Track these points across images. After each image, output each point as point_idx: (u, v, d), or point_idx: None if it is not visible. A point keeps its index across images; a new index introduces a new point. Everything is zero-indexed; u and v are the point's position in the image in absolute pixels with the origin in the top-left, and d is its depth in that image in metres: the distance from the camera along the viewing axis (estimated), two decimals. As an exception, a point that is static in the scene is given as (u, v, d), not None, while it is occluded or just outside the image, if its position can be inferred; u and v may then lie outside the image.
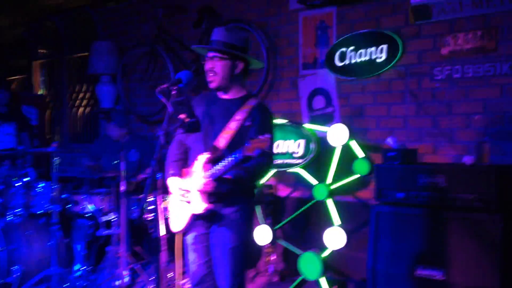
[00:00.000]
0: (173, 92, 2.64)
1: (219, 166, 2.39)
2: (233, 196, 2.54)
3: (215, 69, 2.55)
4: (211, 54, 2.58)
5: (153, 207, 3.87)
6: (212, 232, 2.60)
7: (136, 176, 4.51)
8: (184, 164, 2.69)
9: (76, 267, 4.28)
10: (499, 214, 2.77)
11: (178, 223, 2.66)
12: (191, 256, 2.68)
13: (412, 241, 3.05)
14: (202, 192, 2.48)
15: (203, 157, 2.51)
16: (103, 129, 6.03)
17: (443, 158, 3.51)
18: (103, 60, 5.58)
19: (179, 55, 5.07)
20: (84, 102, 6.51)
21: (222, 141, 2.52)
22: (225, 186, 2.47)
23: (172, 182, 2.64)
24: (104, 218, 4.11)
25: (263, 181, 4.14)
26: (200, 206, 2.50)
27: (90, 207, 4.15)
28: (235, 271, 2.54)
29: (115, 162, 4.25)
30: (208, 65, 2.57)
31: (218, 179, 2.43)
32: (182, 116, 2.88)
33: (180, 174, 2.64)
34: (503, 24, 3.27)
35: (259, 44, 4.39)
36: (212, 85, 2.59)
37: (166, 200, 2.68)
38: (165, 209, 2.66)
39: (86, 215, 4.21)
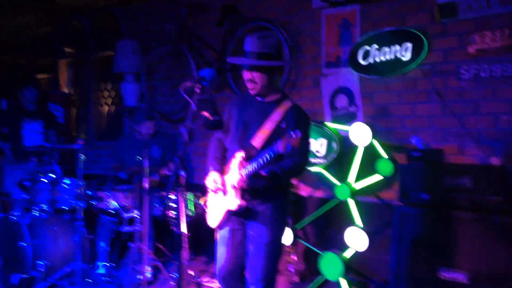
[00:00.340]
0: (197, 90, 2.68)
1: (254, 164, 2.47)
2: (268, 193, 2.61)
3: (255, 79, 2.62)
4: (249, 65, 2.62)
5: (175, 204, 3.91)
6: (247, 227, 2.68)
7: (158, 173, 4.55)
8: (224, 162, 2.78)
9: (99, 263, 4.35)
10: (528, 216, 2.70)
11: (214, 218, 2.76)
12: (221, 250, 2.75)
13: (436, 243, 3.00)
14: (237, 188, 2.57)
15: (239, 155, 2.60)
16: (127, 127, 6.10)
17: (469, 159, 3.44)
18: (127, 58, 5.63)
19: (202, 53, 5.09)
20: (109, 100, 6.60)
21: (258, 140, 2.60)
22: (260, 183, 2.54)
23: (211, 176, 2.73)
24: (127, 215, 4.16)
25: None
26: (234, 202, 2.59)
27: (113, 204, 4.21)
28: (268, 265, 2.61)
29: (138, 158, 4.30)
30: (247, 76, 2.63)
31: (253, 176, 2.49)
32: (205, 113, 2.90)
33: (220, 170, 2.74)
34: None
35: (282, 42, 4.37)
36: (253, 92, 2.67)
37: (205, 196, 2.82)
38: (205, 204, 2.83)
39: (110, 212, 4.27)
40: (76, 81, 7.07)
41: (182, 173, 2.45)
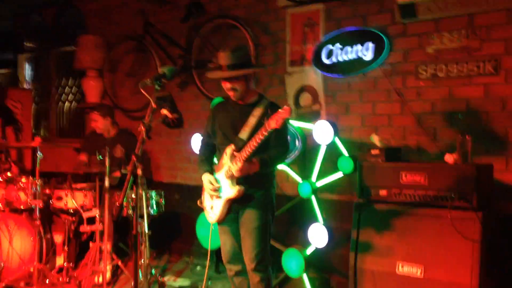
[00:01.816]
0: (157, 87, 2.71)
1: (248, 148, 2.81)
2: (260, 181, 3.00)
3: (235, 87, 2.99)
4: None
5: (133, 203, 3.89)
6: (241, 214, 3.04)
7: (121, 172, 4.52)
8: (211, 161, 3.20)
9: (58, 262, 4.30)
10: (479, 212, 2.83)
11: (213, 214, 3.10)
12: (223, 238, 3.15)
13: (394, 239, 3.10)
14: (234, 177, 2.93)
15: (229, 149, 2.96)
16: (89, 124, 6.04)
17: (426, 157, 3.57)
18: (90, 54, 5.59)
19: (166, 50, 5.09)
20: (71, 96, 6.51)
21: (244, 134, 2.96)
22: (253, 168, 2.88)
23: (206, 179, 3.08)
24: (88, 214, 4.13)
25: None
26: (234, 189, 2.96)
27: (73, 203, 4.16)
28: (258, 246, 2.98)
29: (100, 157, 4.27)
30: (227, 85, 3.00)
31: (246, 161, 2.84)
32: (164, 111, 2.93)
33: (210, 170, 3.10)
34: (487, 24, 3.33)
35: (247, 40, 4.43)
36: (234, 99, 3.06)
37: (201, 197, 3.18)
38: (201, 203, 3.17)
39: (69, 211, 4.23)
40: (36, 77, 6.94)
41: (139, 171, 2.47)
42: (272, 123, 2.64)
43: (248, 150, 2.82)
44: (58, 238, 4.42)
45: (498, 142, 3.29)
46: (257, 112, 2.96)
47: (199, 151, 3.27)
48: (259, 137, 2.74)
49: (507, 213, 3.21)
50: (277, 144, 2.96)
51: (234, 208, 3.06)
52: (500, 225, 3.08)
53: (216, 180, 3.07)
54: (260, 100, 3.05)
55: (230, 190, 2.99)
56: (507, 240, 3.14)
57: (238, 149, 2.92)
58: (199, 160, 3.21)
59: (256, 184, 3.00)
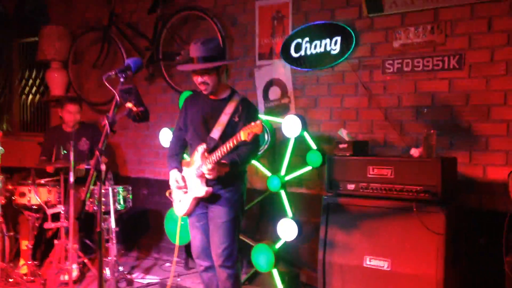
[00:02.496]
0: (121, 80, 2.63)
1: (218, 153, 2.81)
2: (229, 179, 2.96)
3: (206, 81, 2.94)
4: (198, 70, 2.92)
5: (99, 199, 3.82)
6: (210, 210, 3.04)
7: (86, 166, 4.41)
8: (181, 157, 3.18)
9: (22, 261, 4.18)
10: (444, 205, 2.87)
11: (181, 208, 3.10)
12: (193, 233, 3.14)
13: (361, 232, 3.13)
14: (203, 177, 2.92)
15: (201, 148, 2.93)
16: (54, 118, 5.86)
17: (393, 150, 3.60)
18: (53, 45, 5.42)
19: (132, 41, 4.98)
20: (34, 89, 6.30)
21: (216, 133, 2.95)
22: (223, 170, 2.89)
23: (172, 176, 3.08)
24: (52, 210, 4.02)
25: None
26: (202, 189, 2.95)
27: (37, 199, 4.04)
28: (226, 241, 2.98)
29: (64, 152, 4.15)
30: (198, 79, 2.94)
31: (217, 164, 2.84)
32: (129, 104, 2.85)
33: (178, 167, 3.10)
34: (452, 18, 3.37)
35: (216, 32, 4.36)
36: (206, 92, 2.99)
37: (169, 190, 3.18)
38: (170, 195, 3.17)
39: (33, 207, 4.11)
40: (-3, 68, 6.68)
41: (103, 166, 2.40)
42: (243, 135, 2.66)
43: (218, 154, 2.81)
44: (22, 236, 4.29)
45: (462, 136, 3.34)
46: (229, 109, 2.94)
47: (170, 146, 3.22)
48: (230, 145, 2.75)
49: (471, 206, 3.28)
50: (247, 142, 2.90)
51: (203, 204, 3.06)
52: (464, 217, 3.15)
53: (184, 178, 3.06)
54: (232, 96, 3.02)
55: (199, 190, 2.98)
56: (470, 233, 3.21)
57: (209, 149, 2.91)
58: (168, 155, 3.18)
59: (226, 182, 2.98)
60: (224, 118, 2.94)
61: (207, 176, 2.89)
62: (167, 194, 3.22)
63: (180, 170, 3.10)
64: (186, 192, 3.06)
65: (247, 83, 4.37)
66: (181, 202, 3.10)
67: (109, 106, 5.21)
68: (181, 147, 3.19)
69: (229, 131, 2.91)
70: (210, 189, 2.95)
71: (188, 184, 3.05)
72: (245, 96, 3.08)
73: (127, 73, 2.67)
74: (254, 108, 3.06)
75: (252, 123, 2.66)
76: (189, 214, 3.10)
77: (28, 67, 6.31)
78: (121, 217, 4.24)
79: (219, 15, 4.46)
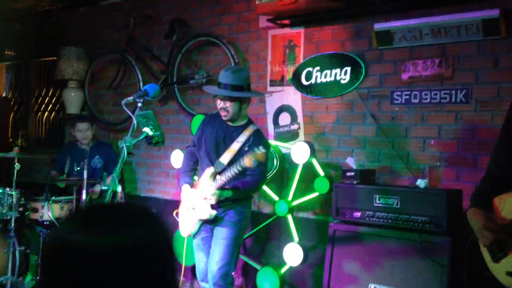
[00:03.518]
0: (139, 105, 2.71)
1: (223, 177, 2.91)
2: (233, 203, 3.06)
3: (227, 108, 3.04)
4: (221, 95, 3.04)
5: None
6: (214, 232, 3.13)
7: (100, 184, 4.47)
8: (193, 173, 3.30)
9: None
10: (448, 236, 2.89)
11: (187, 228, 3.15)
12: (198, 255, 3.19)
13: (367, 260, 3.14)
14: (208, 200, 2.99)
15: (209, 171, 3.04)
16: (68, 135, 5.95)
17: (399, 180, 3.63)
18: (71, 65, 5.52)
19: (148, 64, 5.08)
20: (50, 107, 6.41)
21: (226, 158, 3.04)
22: (226, 195, 2.98)
23: (184, 190, 3.17)
24: (63, 227, 4.05)
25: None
26: (206, 212, 3.01)
27: (49, 215, 4.09)
28: (223, 259, 3.02)
29: (78, 169, 4.21)
30: (220, 104, 3.05)
31: (220, 189, 2.94)
32: (146, 129, 2.92)
33: (191, 184, 3.20)
34: (459, 54, 3.43)
35: (229, 59, 4.45)
36: (224, 118, 3.10)
37: (176, 210, 3.26)
38: (177, 215, 3.23)
39: (45, 223, 4.15)
40: (16, 86, 6.81)
41: (119, 189, 2.45)
42: (246, 161, 2.74)
43: (223, 179, 2.89)
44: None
45: (468, 169, 3.37)
46: (242, 138, 3.05)
47: (184, 161, 3.32)
48: (234, 170, 2.83)
49: (476, 238, 3.28)
50: (254, 173, 2.99)
51: (209, 227, 3.13)
52: (469, 249, 3.14)
53: (194, 196, 3.13)
54: (248, 125, 3.12)
55: (203, 212, 3.05)
56: (475, 265, 3.20)
57: (215, 173, 3.02)
58: (182, 171, 3.28)
59: (230, 206, 3.08)
60: (235, 146, 3.04)
61: (208, 200, 2.98)
62: (174, 214, 3.29)
63: (191, 186, 3.19)
64: (191, 212, 3.11)
65: (258, 108, 4.43)
66: (186, 223, 3.15)
67: (123, 126, 5.33)
68: (195, 163, 3.29)
69: (238, 158, 2.96)
70: (213, 211, 3.02)
71: (194, 205, 3.11)
72: (259, 128, 3.19)
73: (145, 98, 2.75)
74: (265, 140, 3.17)
75: (256, 150, 2.74)
76: (192, 235, 3.14)
77: (45, 85, 6.42)
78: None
79: (233, 42, 4.56)
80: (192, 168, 3.28)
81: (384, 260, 3.08)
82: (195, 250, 3.20)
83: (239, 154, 3.00)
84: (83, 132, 4.62)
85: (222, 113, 3.04)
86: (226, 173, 2.89)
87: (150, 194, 5.21)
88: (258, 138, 3.08)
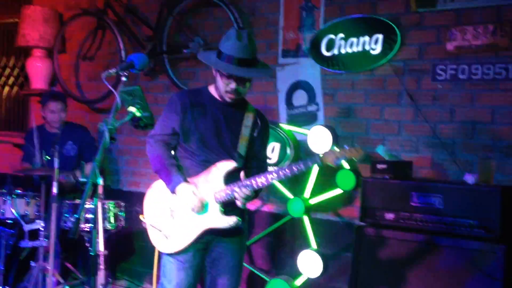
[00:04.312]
0: (123, 79, 2.68)
1: (262, 178, 2.73)
2: (242, 209, 2.89)
3: (241, 89, 2.84)
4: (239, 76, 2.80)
5: (91, 216, 3.87)
6: (214, 245, 2.91)
7: (73, 175, 4.47)
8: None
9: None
10: (502, 244, 2.88)
11: (176, 242, 2.84)
12: (180, 275, 2.87)
13: (400, 272, 3.13)
14: (231, 205, 2.79)
15: (226, 165, 2.81)
16: (34, 115, 5.95)
17: (442, 174, 3.61)
18: (37, 29, 5.50)
19: (132, 30, 5.05)
20: (11, 80, 6.40)
21: (242, 149, 2.88)
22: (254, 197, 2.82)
23: (186, 190, 2.79)
24: (29, 227, 4.06)
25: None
26: (225, 219, 2.78)
27: (12, 212, 4.10)
28: (237, 285, 2.97)
29: (47, 157, 4.21)
30: (231, 85, 2.81)
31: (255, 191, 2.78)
32: (132, 108, 2.90)
33: (187, 181, 2.84)
34: (519, 19, 3.39)
35: (231, 23, 4.41)
36: (229, 101, 2.88)
37: (150, 213, 2.96)
38: (147, 223, 2.92)
39: (7, 222, 4.16)
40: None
41: (100, 181, 2.44)
42: (329, 159, 2.67)
43: (261, 181, 2.74)
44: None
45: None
46: (248, 121, 2.93)
47: (160, 154, 2.91)
48: (294, 168, 2.70)
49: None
50: (264, 166, 3.01)
51: (206, 239, 2.88)
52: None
53: (204, 197, 2.84)
54: (246, 104, 3.01)
55: (220, 220, 2.80)
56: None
57: (239, 169, 2.83)
58: (170, 164, 2.86)
59: (240, 213, 2.89)
60: (245, 132, 2.91)
61: (238, 204, 2.78)
62: (141, 218, 2.98)
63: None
64: (192, 220, 2.85)
65: (267, 85, 4.40)
66: (176, 235, 2.86)
67: (102, 105, 5.31)
68: (174, 156, 2.96)
69: (252, 147, 2.92)
70: (238, 220, 2.80)
71: (197, 209, 2.83)
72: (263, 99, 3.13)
73: (130, 71, 2.72)
74: (268, 124, 3.11)
75: (347, 148, 2.66)
76: (182, 250, 2.86)
77: (5, 53, 6.39)
78: (110, 239, 4.27)
79: (236, 2, 4.51)
80: (176, 163, 2.90)
81: (422, 271, 3.07)
82: (178, 268, 2.87)
83: (251, 141, 2.91)
84: (55, 114, 4.61)
85: (231, 95, 2.84)
86: (269, 173, 2.72)
87: (134, 188, 5.22)
88: (265, 122, 3.03)
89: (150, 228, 2.95)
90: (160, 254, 2.98)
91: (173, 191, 2.83)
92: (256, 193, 2.82)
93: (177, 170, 2.86)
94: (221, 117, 2.91)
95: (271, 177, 2.72)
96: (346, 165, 3.64)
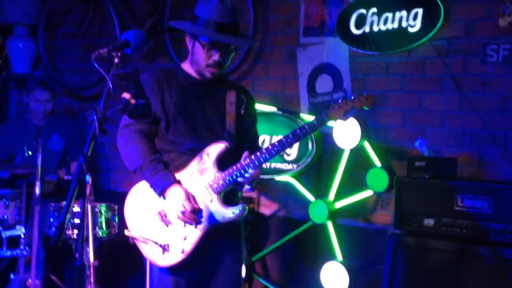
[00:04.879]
0: (116, 60, 2.69)
1: (265, 154, 2.70)
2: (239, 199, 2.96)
3: (226, 62, 2.85)
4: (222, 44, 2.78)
5: (78, 221, 3.90)
6: (211, 251, 2.87)
7: (58, 173, 4.51)
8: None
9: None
10: None
11: (180, 247, 2.78)
12: None
13: (441, 285, 3.13)
14: (228, 192, 2.80)
15: (217, 148, 2.77)
16: (14, 104, 6.01)
17: (492, 173, 3.59)
18: (18, 4, 5.54)
19: (129, 4, 5.07)
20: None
21: (231, 127, 2.88)
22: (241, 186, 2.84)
23: (177, 193, 2.74)
24: (9, 233, 4.11)
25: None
26: (227, 210, 2.76)
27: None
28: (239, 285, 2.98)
29: (29, 152, 4.25)
30: (215, 57, 2.79)
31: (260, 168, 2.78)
32: (126, 95, 2.91)
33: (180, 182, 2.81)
34: None
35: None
36: (211, 77, 2.86)
37: (136, 224, 2.88)
38: (143, 240, 2.83)
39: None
40: None
41: (88, 179, 2.44)
42: (336, 114, 2.69)
43: (262, 156, 2.71)
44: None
45: None
46: (230, 97, 2.94)
47: (145, 146, 2.83)
48: (298, 133, 2.71)
49: None
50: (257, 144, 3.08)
51: (202, 245, 2.82)
52: None
53: (200, 194, 2.80)
54: (224, 79, 3.05)
55: (224, 212, 2.76)
56: None
57: (231, 149, 2.79)
58: (154, 160, 2.80)
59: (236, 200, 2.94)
60: (231, 109, 2.92)
61: (247, 187, 2.82)
62: (126, 232, 2.88)
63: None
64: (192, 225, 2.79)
65: (286, 68, 4.41)
66: (175, 245, 2.81)
67: (92, 92, 5.34)
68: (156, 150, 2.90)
69: (241, 125, 2.94)
70: (243, 207, 2.78)
71: (194, 208, 2.79)
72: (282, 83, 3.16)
73: (125, 51, 2.73)
74: (254, 99, 3.14)
75: (355, 97, 2.70)
76: (182, 262, 2.81)
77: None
78: (102, 247, 4.31)
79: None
80: (161, 158, 2.84)
81: (468, 286, 3.05)
82: (172, 281, 2.84)
83: (239, 119, 2.93)
84: (40, 103, 4.64)
85: (213, 70, 2.83)
86: (267, 151, 2.70)
87: (130, 189, 5.23)
88: (250, 98, 3.06)
89: (141, 242, 2.87)
90: (151, 266, 2.93)
91: (161, 194, 2.77)
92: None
93: (164, 168, 2.79)
94: (203, 96, 2.91)
95: (275, 150, 2.71)
96: (376, 161, 3.62)
